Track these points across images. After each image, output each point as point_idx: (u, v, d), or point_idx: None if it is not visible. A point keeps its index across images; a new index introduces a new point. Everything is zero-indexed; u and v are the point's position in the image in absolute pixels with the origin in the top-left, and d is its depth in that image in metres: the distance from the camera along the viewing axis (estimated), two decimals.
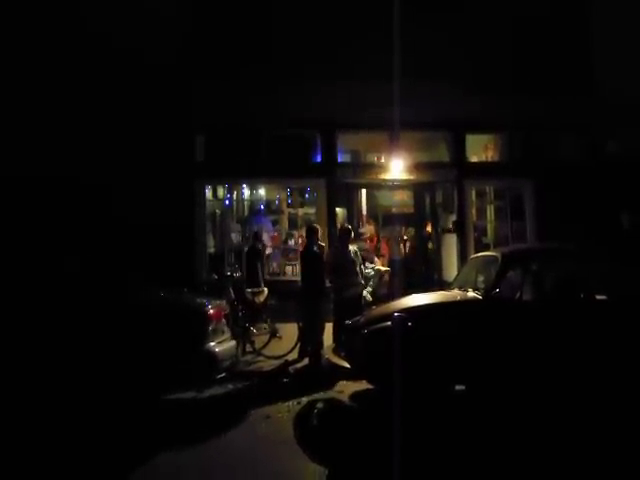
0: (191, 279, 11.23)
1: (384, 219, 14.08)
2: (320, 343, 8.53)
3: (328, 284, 8.93)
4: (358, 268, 8.88)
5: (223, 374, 6.94)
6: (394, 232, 13.53)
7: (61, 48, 11.52)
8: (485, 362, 6.64)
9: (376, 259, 11.20)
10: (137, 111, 11.51)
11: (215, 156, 12.78)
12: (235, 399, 7.31)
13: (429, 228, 13.88)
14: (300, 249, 10.64)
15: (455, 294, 7.46)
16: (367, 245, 11.69)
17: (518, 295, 7.02)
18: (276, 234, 13.41)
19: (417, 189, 13.90)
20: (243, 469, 5.03)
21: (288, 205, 13.58)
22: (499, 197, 13.89)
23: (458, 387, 6.88)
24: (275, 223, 13.57)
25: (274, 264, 12.90)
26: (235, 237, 13.38)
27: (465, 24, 12.43)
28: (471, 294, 7.15)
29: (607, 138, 13.12)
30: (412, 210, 14.13)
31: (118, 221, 11.07)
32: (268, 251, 12.86)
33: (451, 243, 13.30)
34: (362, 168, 13.36)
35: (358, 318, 7.55)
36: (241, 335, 8.92)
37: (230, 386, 7.58)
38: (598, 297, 7.07)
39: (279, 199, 13.71)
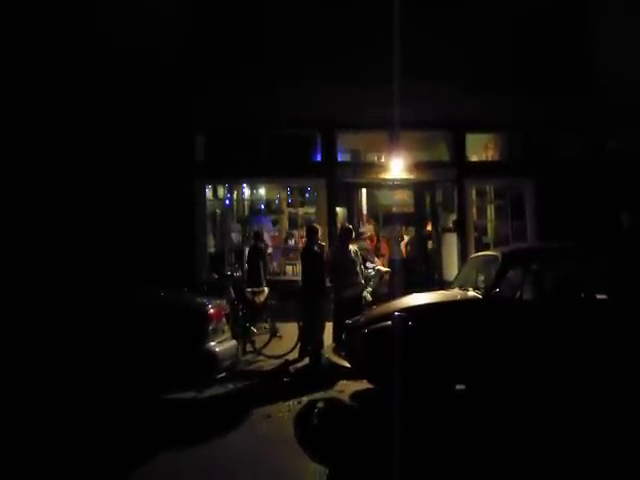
0: (191, 279, 11.24)
1: (384, 218, 14.09)
2: (320, 343, 8.54)
3: (328, 284, 8.94)
4: (358, 268, 8.88)
5: (223, 374, 6.94)
6: (394, 232, 13.53)
7: (61, 48, 11.51)
8: (485, 362, 6.64)
9: (376, 259, 11.20)
10: (137, 111, 11.51)
11: (215, 156, 12.78)
12: (235, 399, 7.32)
13: (429, 227, 13.88)
14: (300, 248, 10.63)
15: (455, 293, 7.46)
16: (367, 245, 11.69)
17: (518, 295, 7.02)
18: (276, 234, 13.41)
19: (417, 188, 13.90)
20: (243, 469, 5.03)
21: (288, 205, 13.58)
22: (499, 196, 13.89)
23: (458, 387, 6.88)
24: (275, 223, 13.57)
25: (274, 264, 12.90)
26: (235, 237, 13.39)
27: (465, 24, 12.43)
28: (471, 293, 7.15)
29: (607, 138, 13.12)
30: (412, 209, 14.13)
31: (118, 221, 11.07)
32: (269, 251, 12.85)
33: (451, 242, 13.30)
34: (362, 167, 13.36)
35: (358, 318, 7.55)
36: (241, 335, 8.93)
37: (230, 386, 7.59)
38: (598, 297, 7.06)
39: (279, 199, 13.71)
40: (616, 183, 12.50)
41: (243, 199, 13.63)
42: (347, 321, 7.63)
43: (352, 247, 9.02)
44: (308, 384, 7.70)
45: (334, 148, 12.88)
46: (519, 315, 6.92)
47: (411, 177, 12.94)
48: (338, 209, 13.06)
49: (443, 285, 10.92)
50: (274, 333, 9.80)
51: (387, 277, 10.60)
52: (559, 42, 12.81)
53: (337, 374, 7.70)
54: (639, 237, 12.15)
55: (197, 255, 12.51)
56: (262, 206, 13.72)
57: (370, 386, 7.21)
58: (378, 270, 9.88)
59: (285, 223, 13.49)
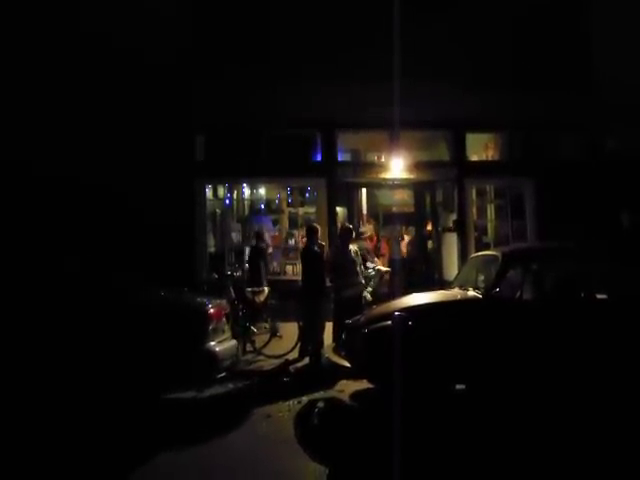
0: (191, 278, 11.24)
1: (384, 218, 14.08)
2: (320, 342, 8.54)
3: (328, 283, 8.94)
4: (358, 268, 8.88)
5: (223, 373, 6.94)
6: (394, 231, 13.52)
7: (61, 48, 11.52)
8: (485, 361, 6.64)
9: (376, 259, 11.19)
10: (137, 111, 11.51)
11: (215, 156, 12.78)
12: (235, 398, 7.32)
13: (429, 227, 13.88)
14: (300, 248, 10.63)
15: (455, 293, 7.46)
16: (367, 244, 11.68)
17: (518, 294, 7.01)
18: (277, 233, 13.41)
19: (417, 188, 13.90)
20: (243, 468, 5.03)
21: (288, 204, 13.58)
22: (499, 196, 13.88)
23: (458, 386, 6.87)
24: (275, 222, 13.56)
25: (274, 263, 12.89)
26: (235, 236, 13.39)
27: (465, 23, 12.43)
28: (471, 293, 7.15)
29: (606, 137, 13.12)
30: (412, 209, 14.13)
31: (118, 221, 11.07)
32: (269, 250, 12.85)
33: (451, 242, 13.30)
34: (362, 167, 13.35)
35: (358, 317, 7.55)
36: (241, 334, 8.93)
37: (230, 385, 7.59)
38: (598, 296, 7.06)
39: (279, 198, 13.70)
40: (616, 183, 12.50)
41: (243, 199, 13.63)
42: (347, 321, 7.63)
43: (352, 247, 9.02)
44: (308, 384, 7.71)
45: (334, 148, 12.88)
46: (519, 315, 6.91)
47: (411, 177, 12.93)
48: (338, 209, 13.06)
49: (443, 285, 10.92)
50: (274, 333, 9.81)
51: (387, 277, 10.60)
52: (558, 41, 12.82)
53: (337, 374, 7.69)
54: (639, 237, 12.15)
55: (197, 255, 12.51)
56: (262, 206, 13.72)
57: (370, 386, 7.21)
58: (378, 270, 9.88)
59: (285, 223, 13.49)
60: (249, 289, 10.02)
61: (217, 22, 12.49)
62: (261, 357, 8.98)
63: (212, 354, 6.53)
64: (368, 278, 9.27)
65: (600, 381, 6.56)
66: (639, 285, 6.93)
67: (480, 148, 13.77)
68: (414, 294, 7.89)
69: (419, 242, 13.86)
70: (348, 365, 7.06)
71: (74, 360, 6.21)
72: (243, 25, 12.37)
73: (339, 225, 11.50)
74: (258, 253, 11.25)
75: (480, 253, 9.22)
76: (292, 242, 13.23)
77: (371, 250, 11.76)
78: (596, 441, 5.45)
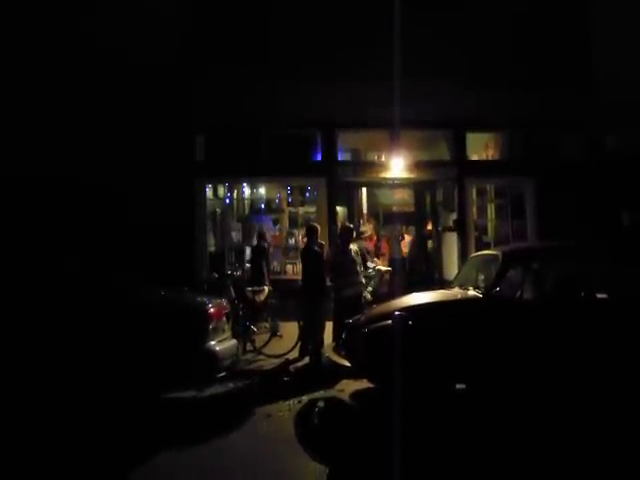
0: (191, 278, 11.23)
1: (385, 218, 14.08)
2: (321, 342, 8.54)
3: (329, 283, 8.94)
4: (359, 267, 8.88)
5: (223, 373, 6.95)
6: (394, 231, 13.52)
7: (61, 48, 11.51)
8: (485, 361, 6.64)
9: (375, 259, 11.19)
10: (137, 111, 11.50)
11: (215, 155, 12.78)
12: (236, 398, 7.32)
13: (430, 227, 13.87)
14: (301, 248, 10.63)
15: (455, 293, 7.46)
16: (366, 244, 11.68)
17: (519, 294, 7.01)
18: (277, 233, 13.41)
19: (417, 188, 13.89)
20: (244, 468, 5.03)
21: (288, 204, 13.57)
22: (500, 195, 13.87)
23: (459, 386, 6.87)
24: (276, 222, 13.56)
25: (275, 263, 12.89)
26: (235, 236, 13.40)
27: (465, 22, 12.41)
28: (472, 293, 7.15)
29: (606, 135, 13.11)
30: (412, 209, 14.12)
31: (118, 221, 11.07)
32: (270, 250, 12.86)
33: (452, 242, 13.29)
34: (362, 167, 13.34)
35: (358, 317, 7.55)
36: (242, 334, 8.93)
37: (231, 385, 7.60)
38: (599, 296, 7.06)
39: (279, 198, 13.70)
40: (616, 182, 12.49)
41: (243, 198, 13.64)
42: (347, 320, 7.63)
43: (353, 246, 9.02)
44: (308, 383, 7.71)
45: (334, 147, 12.87)
46: (519, 314, 6.91)
47: (411, 176, 12.92)
48: (338, 208, 13.05)
49: (443, 284, 10.91)
50: (274, 332, 9.82)
51: (387, 277, 10.60)
52: (558, 40, 12.79)
53: (337, 373, 7.68)
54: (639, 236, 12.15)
55: (197, 254, 12.50)
56: (262, 205, 13.72)
57: (370, 385, 7.21)
58: (378, 270, 9.88)
59: (285, 222, 13.48)
60: (249, 288, 10.02)
61: (217, 22, 12.48)
62: (261, 356, 8.99)
63: (212, 353, 6.54)
64: (368, 278, 9.27)
65: (600, 381, 6.56)
66: (639, 285, 6.93)
67: (480, 147, 13.76)
68: (414, 294, 7.90)
69: (419, 242, 13.86)
70: (348, 364, 7.06)
71: (74, 360, 6.21)
72: (243, 25, 12.36)
73: (339, 224, 11.49)
74: (260, 252, 11.27)
75: (480, 252, 9.22)
76: (292, 241, 13.23)
77: (371, 250, 11.76)
78: (596, 440, 5.45)
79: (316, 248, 8.93)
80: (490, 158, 13.78)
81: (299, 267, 10.88)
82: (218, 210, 13.41)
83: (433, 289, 8.90)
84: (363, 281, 8.96)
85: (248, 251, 12.95)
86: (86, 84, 11.53)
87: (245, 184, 13.43)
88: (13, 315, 6.29)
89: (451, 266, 12.94)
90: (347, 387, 7.60)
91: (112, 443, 5.59)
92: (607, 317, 6.78)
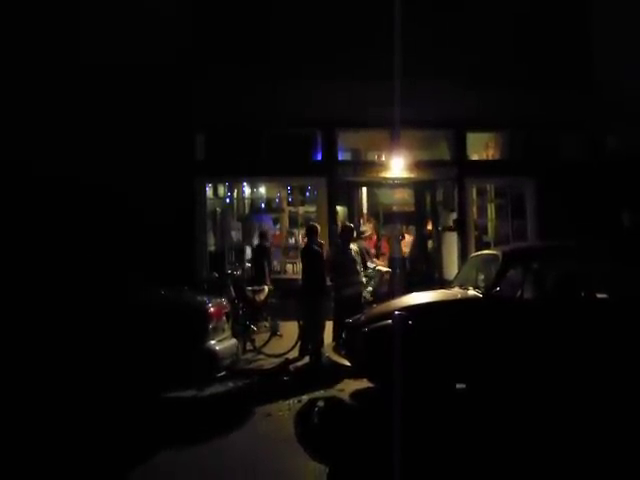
0: (191, 277, 11.23)
1: (385, 217, 14.08)
2: (321, 341, 8.54)
3: (329, 282, 8.94)
4: (359, 267, 8.88)
5: (223, 372, 6.95)
6: (395, 230, 13.52)
7: (62, 48, 11.50)
8: (486, 361, 6.64)
9: (375, 259, 11.18)
10: (138, 111, 11.50)
11: (215, 155, 12.79)
12: (236, 397, 7.32)
13: (430, 226, 13.86)
14: (301, 247, 10.63)
15: (455, 292, 7.45)
16: (366, 244, 11.67)
17: (519, 294, 7.01)
18: (277, 232, 13.42)
19: (418, 187, 13.89)
20: (244, 468, 5.03)
21: (289, 203, 13.57)
22: (500, 195, 13.87)
23: (459, 386, 6.87)
24: (276, 221, 13.57)
25: (275, 262, 12.90)
26: (235, 235, 13.40)
27: (465, 23, 12.41)
28: (472, 293, 7.15)
29: (607, 135, 13.11)
30: (413, 208, 14.12)
31: (119, 220, 11.06)
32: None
33: (452, 241, 13.29)
34: (363, 166, 13.35)
35: (359, 316, 7.55)
36: (241, 333, 8.93)
37: (230, 384, 7.59)
38: (599, 296, 7.06)
39: (279, 197, 13.70)
40: (617, 182, 12.50)
41: (243, 198, 13.65)
42: (347, 320, 7.63)
43: (353, 246, 9.02)
44: (308, 383, 7.71)
45: (334, 147, 12.87)
46: (519, 314, 6.91)
47: (412, 176, 12.92)
48: (338, 208, 13.05)
49: (443, 284, 10.91)
50: (274, 332, 9.81)
51: (387, 277, 10.59)
52: (559, 40, 12.80)
53: (337, 373, 7.68)
54: None
55: (197, 254, 12.51)
56: (262, 205, 13.72)
57: (370, 385, 7.22)
58: (378, 270, 9.88)
59: (285, 222, 13.48)
60: (249, 288, 10.02)
61: (217, 22, 12.48)
62: (261, 356, 8.98)
63: (212, 353, 6.54)
64: (368, 278, 9.27)
65: (600, 380, 6.56)
66: (639, 285, 6.92)
67: (481, 147, 13.77)
68: (414, 293, 7.90)
69: (419, 241, 13.85)
70: (348, 364, 7.06)
71: (74, 359, 6.21)
72: (243, 25, 12.36)
73: (339, 224, 11.50)
74: (262, 252, 11.29)
75: (480, 252, 9.22)
76: (292, 241, 13.24)
77: (371, 250, 11.76)
78: (596, 440, 5.45)
79: (316, 248, 8.93)
80: (490, 158, 13.78)
81: (299, 267, 10.89)
82: (218, 209, 13.42)
83: (433, 289, 8.90)
84: (364, 281, 8.96)
85: (248, 250, 12.98)
86: (86, 84, 11.53)
87: (245, 183, 13.44)
88: (12, 314, 6.29)
89: (451, 266, 12.94)
90: (347, 387, 7.60)
91: (112, 443, 5.59)
92: (607, 317, 6.77)
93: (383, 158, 13.27)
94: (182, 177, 12.12)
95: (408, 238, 13.71)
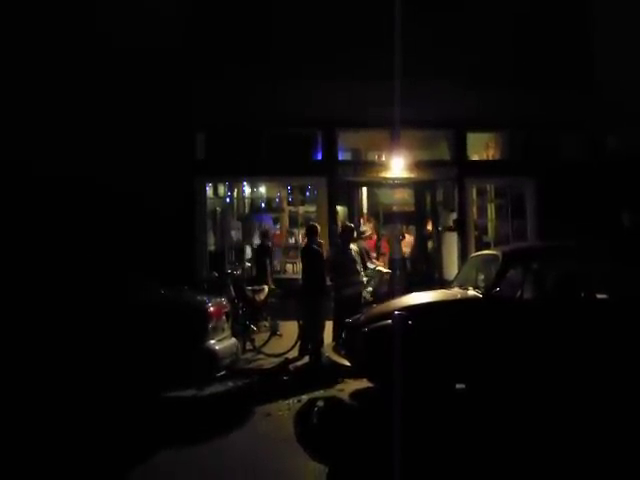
0: (191, 277, 11.24)
1: (385, 217, 14.08)
2: (320, 341, 8.54)
3: (329, 282, 8.94)
4: (359, 267, 8.87)
5: (223, 372, 6.95)
6: (395, 230, 13.52)
7: (62, 48, 11.50)
8: (485, 361, 6.64)
9: (375, 260, 11.17)
10: (138, 110, 11.50)
11: (216, 154, 12.80)
12: (235, 397, 7.32)
13: (430, 226, 13.86)
14: (301, 247, 10.63)
15: (455, 293, 7.45)
16: (365, 244, 11.68)
17: (519, 294, 7.01)
18: (277, 232, 13.42)
19: (418, 187, 13.89)
20: (243, 467, 5.03)
21: (289, 203, 13.58)
22: (500, 195, 13.87)
23: (458, 386, 6.87)
24: (276, 221, 13.57)
25: (275, 262, 12.91)
26: (235, 235, 13.40)
27: (465, 23, 12.41)
28: (471, 293, 7.15)
29: (607, 135, 13.11)
30: (413, 208, 14.11)
31: (118, 219, 11.07)
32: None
33: (452, 241, 13.29)
34: (363, 166, 13.35)
35: (358, 316, 7.55)
36: (241, 333, 8.93)
37: (230, 384, 7.60)
38: (599, 296, 7.06)
39: (279, 197, 13.70)
40: (617, 182, 12.49)
41: (243, 197, 13.66)
42: (347, 320, 7.63)
43: (353, 246, 9.02)
44: (308, 383, 7.71)
45: (335, 147, 12.87)
46: (519, 314, 6.91)
47: (412, 176, 12.92)
48: (339, 208, 13.05)
49: (443, 284, 10.91)
50: (274, 331, 9.81)
51: (387, 277, 10.59)
52: (559, 40, 12.80)
53: (337, 373, 7.69)
54: None
55: (197, 253, 12.51)
56: (262, 204, 13.73)
57: (370, 385, 7.22)
58: (378, 271, 9.87)
59: (286, 221, 13.49)
60: (249, 287, 10.02)
61: (217, 22, 12.48)
62: (261, 356, 8.98)
63: (212, 352, 6.54)
64: (369, 277, 9.26)
65: (600, 381, 6.56)
66: (639, 285, 6.92)
67: (481, 147, 13.77)
68: (414, 293, 7.90)
69: (419, 241, 13.85)
70: (348, 364, 7.07)
71: (74, 359, 6.21)
72: (243, 25, 12.36)
73: (339, 224, 11.50)
74: (264, 251, 11.29)
75: (480, 252, 9.22)
76: (292, 241, 13.24)
77: (370, 250, 11.76)
78: (596, 440, 5.45)
79: (316, 247, 8.93)
80: (490, 158, 13.79)
81: (299, 266, 10.89)
82: (218, 209, 13.42)
83: (433, 289, 8.90)
84: (364, 281, 8.96)
85: (248, 250, 12.99)
86: (86, 84, 11.53)
87: (245, 183, 13.44)
88: (13, 314, 6.28)
89: (451, 266, 12.95)
90: (347, 386, 7.60)
91: (112, 442, 5.59)
92: (607, 317, 6.77)
93: (383, 158, 13.28)
94: (182, 177, 12.12)
95: (408, 238, 13.70)
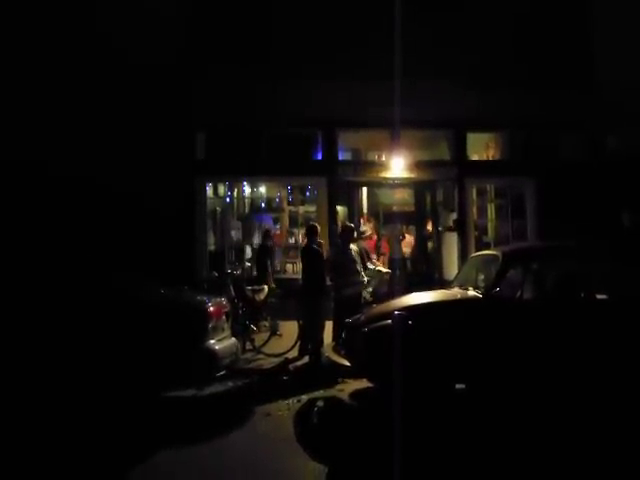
0: (191, 277, 11.25)
1: (385, 217, 14.08)
2: (320, 341, 8.54)
3: (329, 282, 8.94)
4: (359, 267, 8.87)
5: (223, 372, 6.94)
6: (395, 230, 13.52)
7: (62, 48, 11.51)
8: (485, 361, 6.64)
9: (374, 260, 11.17)
10: (138, 110, 11.51)
11: (216, 154, 12.81)
12: (235, 397, 7.32)
13: (430, 227, 13.86)
14: (301, 247, 10.63)
15: (455, 293, 7.45)
16: (365, 244, 11.67)
17: (519, 294, 7.00)
18: (278, 232, 13.42)
19: (418, 187, 13.89)
20: (243, 467, 5.03)
21: (289, 203, 13.59)
22: (500, 195, 13.88)
23: (458, 386, 6.87)
24: (276, 221, 13.58)
25: (275, 262, 12.91)
26: (235, 235, 13.41)
27: (465, 23, 12.41)
28: (471, 293, 7.15)
29: (607, 135, 13.11)
30: (413, 208, 14.12)
31: (118, 219, 11.07)
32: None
33: (452, 242, 13.30)
34: (363, 166, 13.35)
35: (358, 316, 7.55)
36: (241, 333, 8.93)
37: (230, 384, 7.59)
38: (599, 296, 7.06)
39: (280, 197, 13.71)
40: (617, 182, 12.49)
41: (243, 197, 13.67)
42: (347, 320, 7.63)
43: (353, 246, 9.01)
44: (308, 382, 7.71)
45: (335, 147, 12.88)
46: (519, 314, 6.91)
47: (412, 176, 12.93)
48: (339, 208, 13.06)
49: (443, 284, 10.91)
50: (274, 331, 9.81)
51: (387, 277, 10.59)
52: (559, 40, 12.80)
53: (337, 373, 7.69)
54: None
55: (197, 253, 12.52)
56: (262, 204, 13.73)
57: (370, 385, 7.21)
58: (378, 271, 9.87)
59: (286, 221, 13.50)
60: (249, 287, 10.02)
61: (217, 22, 12.48)
62: (261, 355, 8.98)
63: (212, 352, 6.53)
64: (369, 277, 9.26)
65: (600, 381, 6.56)
66: (639, 285, 6.92)
67: (481, 147, 13.77)
68: (414, 293, 7.90)
69: (419, 242, 13.86)
70: (348, 364, 7.07)
71: (74, 358, 6.20)
72: (243, 25, 12.37)
73: (339, 224, 11.50)
74: (265, 251, 11.28)
75: (480, 252, 9.22)
76: (292, 241, 13.24)
77: (370, 251, 11.75)
78: (596, 440, 5.44)
79: (316, 247, 8.93)
80: (490, 158, 13.79)
81: (299, 266, 10.89)
82: (218, 209, 13.42)
83: (433, 289, 8.90)
84: (364, 281, 8.96)
85: (248, 250, 12.99)
86: (86, 84, 11.54)
87: (245, 183, 13.45)
88: (13, 314, 6.28)
89: (451, 266, 12.95)
90: (347, 386, 7.60)
91: (112, 442, 5.58)
92: (607, 317, 6.77)
93: (383, 158, 13.28)
94: (182, 176, 12.13)
95: (408, 238, 13.70)
